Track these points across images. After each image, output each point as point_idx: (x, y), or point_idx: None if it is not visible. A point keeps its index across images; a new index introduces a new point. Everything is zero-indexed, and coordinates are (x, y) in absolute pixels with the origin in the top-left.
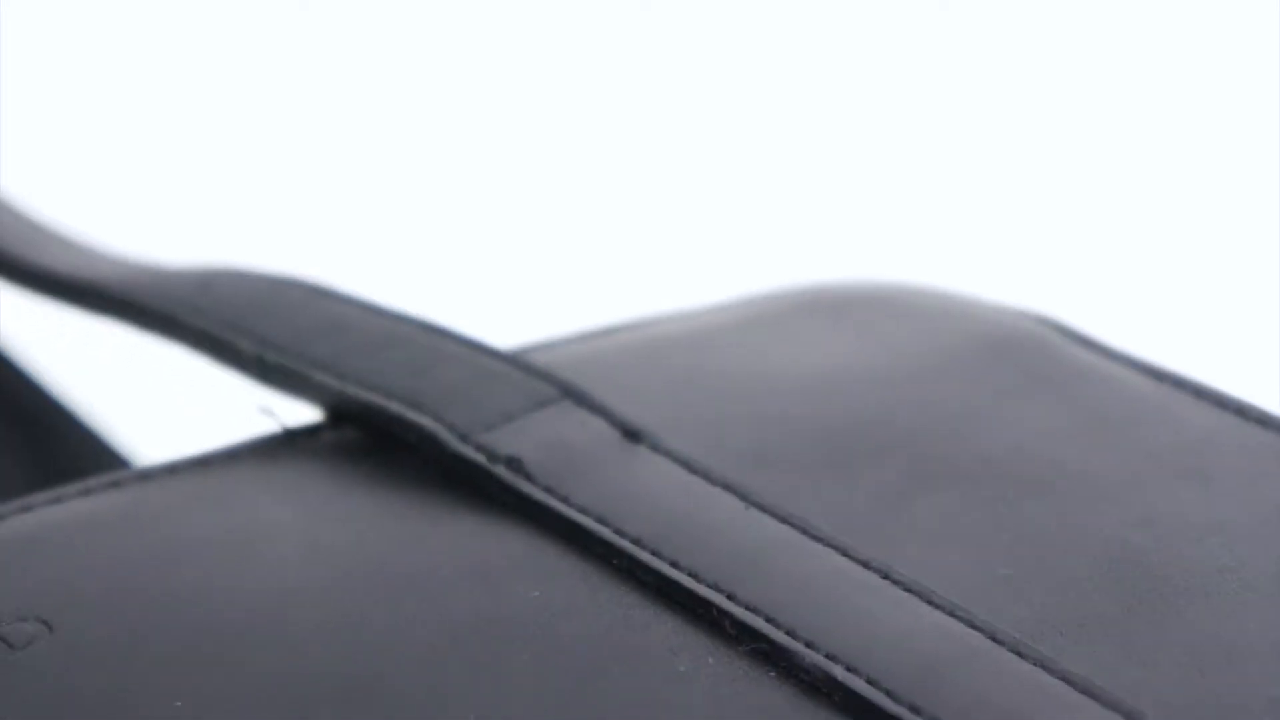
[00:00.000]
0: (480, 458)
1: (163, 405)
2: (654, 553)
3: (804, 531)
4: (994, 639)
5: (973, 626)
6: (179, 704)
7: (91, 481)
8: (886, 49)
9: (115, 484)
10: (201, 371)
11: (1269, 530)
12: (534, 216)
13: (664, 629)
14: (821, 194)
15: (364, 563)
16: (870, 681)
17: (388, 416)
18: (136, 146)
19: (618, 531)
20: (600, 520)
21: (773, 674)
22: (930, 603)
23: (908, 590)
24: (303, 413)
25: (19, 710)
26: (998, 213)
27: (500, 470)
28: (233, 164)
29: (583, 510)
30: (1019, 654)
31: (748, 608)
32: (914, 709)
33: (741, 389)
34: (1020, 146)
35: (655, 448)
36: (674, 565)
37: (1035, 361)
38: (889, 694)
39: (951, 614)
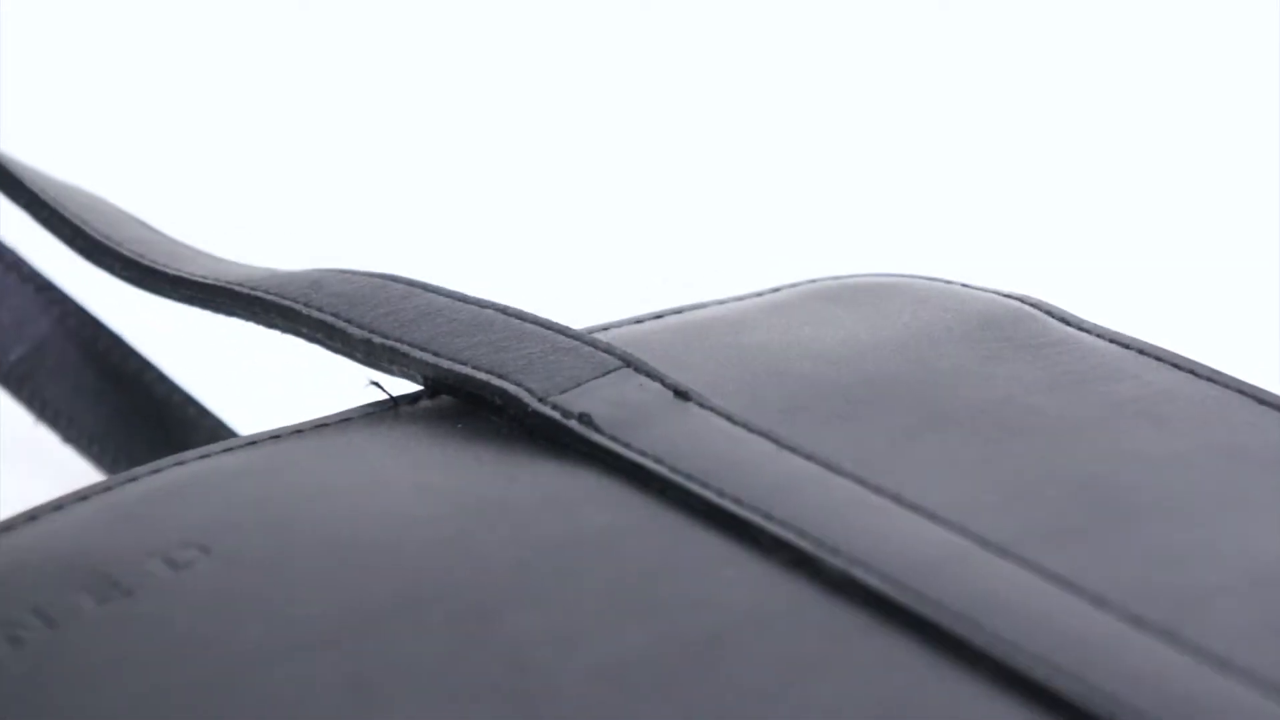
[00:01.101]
0: (556, 414)
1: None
2: (703, 485)
3: (826, 466)
4: (983, 545)
5: (966, 536)
6: (321, 609)
7: (231, 441)
8: (880, 51)
9: (252, 443)
10: (314, 356)
11: (1215, 462)
12: (555, 222)
13: (712, 545)
14: (830, 197)
15: (463, 497)
16: (883, 579)
17: (478, 384)
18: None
19: (672, 469)
20: (657, 461)
21: (803, 577)
22: (931, 519)
23: (912, 510)
24: (404, 385)
25: (185, 616)
26: (994, 213)
27: (574, 424)
28: (238, 164)
29: (642, 454)
30: (1003, 556)
31: (782, 524)
32: (919, 598)
33: (772, 357)
34: (1015, 146)
35: (702, 404)
36: (720, 494)
37: (1019, 332)
38: (899, 587)
39: (948, 528)
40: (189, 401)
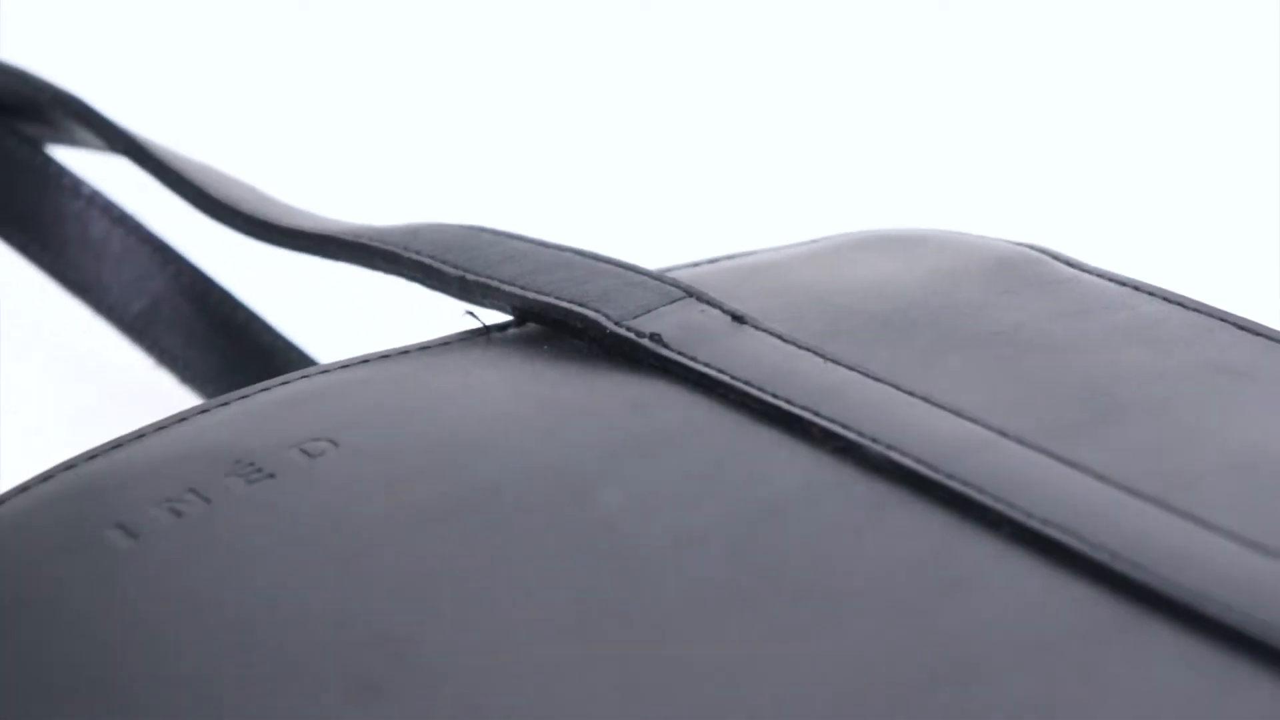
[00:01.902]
0: (630, 335)
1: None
2: (759, 389)
3: (865, 374)
4: (1002, 435)
5: (987, 428)
6: (437, 490)
7: (347, 359)
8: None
9: (365, 360)
10: (412, 293)
11: (1199, 374)
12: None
13: (768, 438)
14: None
15: (552, 402)
16: (917, 460)
17: (561, 311)
18: None
19: (732, 377)
20: (720, 371)
21: (848, 461)
22: (957, 415)
23: (941, 408)
24: (494, 316)
25: (321, 495)
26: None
27: (646, 342)
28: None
29: (706, 366)
30: (1021, 443)
31: (829, 419)
32: (948, 475)
33: (814, 292)
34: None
35: (756, 326)
36: (774, 396)
37: (1030, 271)
38: (931, 466)
39: (974, 421)
40: (290, 347)
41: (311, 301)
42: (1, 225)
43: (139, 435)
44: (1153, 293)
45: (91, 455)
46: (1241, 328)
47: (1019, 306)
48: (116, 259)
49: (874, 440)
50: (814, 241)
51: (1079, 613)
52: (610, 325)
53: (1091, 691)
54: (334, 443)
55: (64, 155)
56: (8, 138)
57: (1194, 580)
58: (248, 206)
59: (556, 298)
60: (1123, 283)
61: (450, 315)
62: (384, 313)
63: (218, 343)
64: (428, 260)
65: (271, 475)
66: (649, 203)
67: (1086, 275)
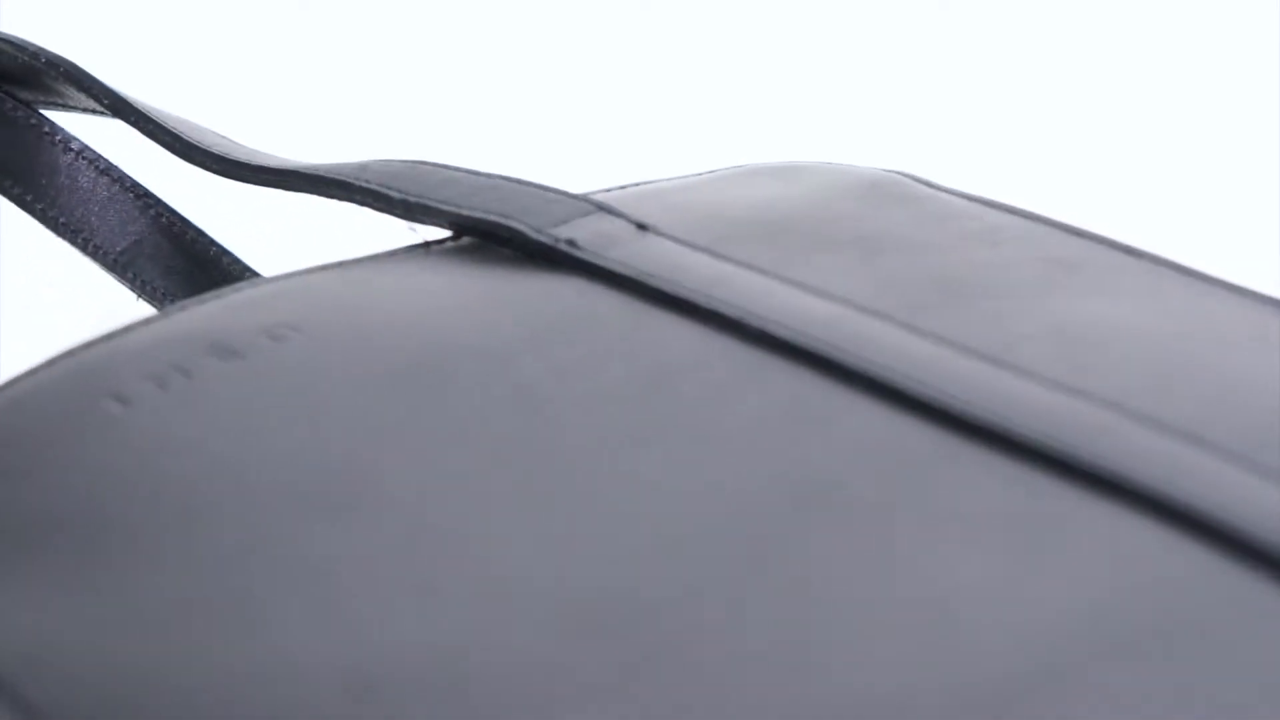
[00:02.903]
0: (549, 241)
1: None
2: (658, 279)
3: (749, 268)
4: (861, 311)
5: (850, 307)
6: (384, 364)
7: (309, 267)
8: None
9: (324, 269)
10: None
11: (1033, 267)
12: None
13: (665, 317)
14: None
15: (481, 295)
16: (790, 331)
17: (490, 224)
18: None
19: (636, 271)
20: (624, 267)
21: (731, 336)
22: (826, 296)
23: (812, 291)
24: (433, 232)
25: (285, 371)
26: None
27: (562, 246)
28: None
29: (614, 263)
30: (877, 317)
31: (717, 301)
32: (817, 341)
33: (709, 208)
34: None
35: (657, 232)
36: (670, 284)
37: (895, 190)
38: (803, 335)
39: (838, 302)
40: (256, 275)
41: (272, 236)
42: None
43: (128, 328)
44: (999, 206)
45: (88, 345)
46: (1073, 232)
47: (883, 217)
48: (102, 205)
49: (754, 317)
50: (711, 171)
51: (920, 443)
52: (532, 233)
53: (928, 500)
54: (296, 329)
55: (55, 116)
56: (5, 101)
57: (1012, 415)
58: (219, 149)
59: (486, 213)
60: (974, 199)
61: (396, 239)
62: (336, 242)
63: (192, 274)
64: (376, 187)
65: (242, 356)
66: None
67: (943, 194)
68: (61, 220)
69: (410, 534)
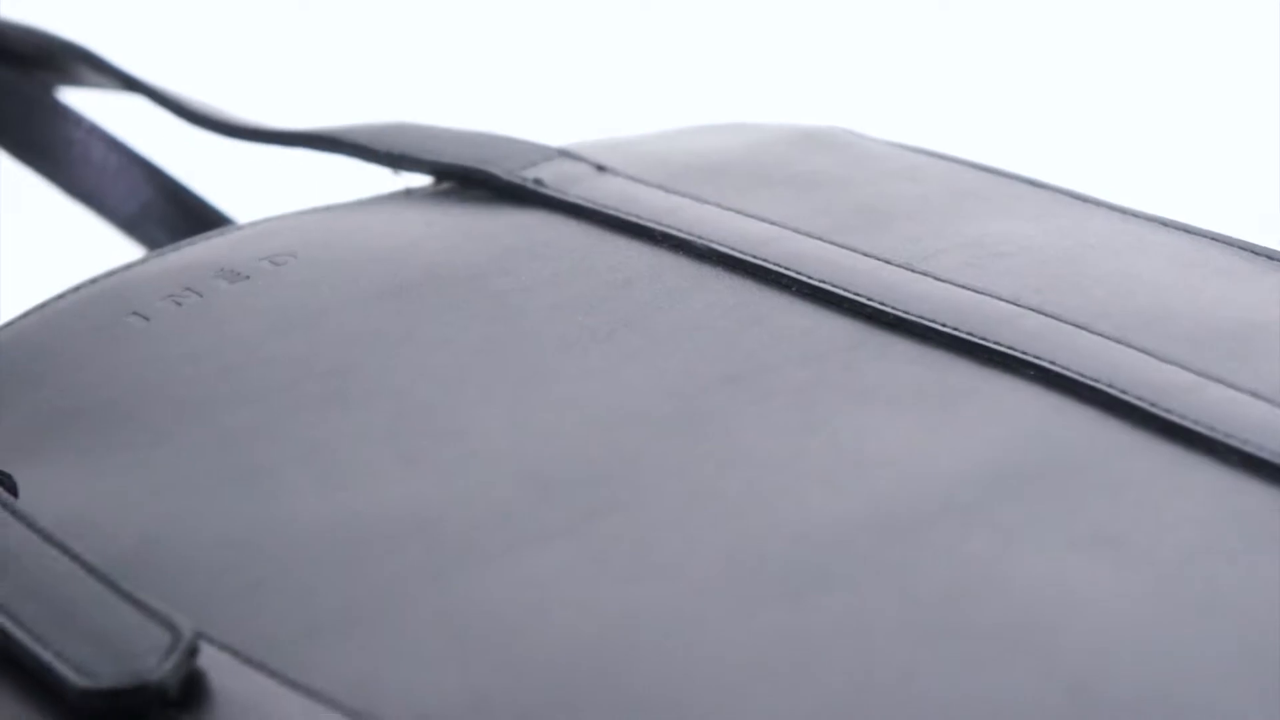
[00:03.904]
0: (518, 181)
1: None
2: (615, 210)
3: (695, 199)
4: (795, 231)
5: (785, 228)
6: (371, 283)
7: (304, 209)
8: None
9: (316, 209)
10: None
11: (946, 200)
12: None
13: (622, 241)
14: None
15: (457, 227)
16: (731, 249)
17: (466, 169)
18: None
19: (598, 205)
20: (587, 201)
21: (681, 254)
22: (763, 220)
23: (752, 216)
24: (416, 179)
25: (284, 288)
26: None
27: (530, 185)
28: None
29: (576, 198)
30: (809, 236)
31: (667, 226)
32: (753, 257)
33: (662, 156)
34: None
35: (615, 173)
36: (623, 213)
37: (828, 139)
38: (740, 252)
39: (774, 224)
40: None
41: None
42: (22, 152)
43: (143, 260)
44: (917, 150)
45: (108, 274)
46: (982, 169)
47: (814, 160)
48: (113, 174)
49: (699, 237)
50: (667, 130)
51: (844, 334)
52: (504, 175)
53: (849, 378)
54: (294, 255)
55: (70, 97)
56: (26, 83)
57: (924, 309)
58: (221, 115)
59: (462, 159)
60: (896, 145)
61: (381, 191)
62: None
63: (194, 232)
64: (364, 141)
65: (247, 277)
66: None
67: (869, 141)
68: (77, 190)
69: (396, 417)
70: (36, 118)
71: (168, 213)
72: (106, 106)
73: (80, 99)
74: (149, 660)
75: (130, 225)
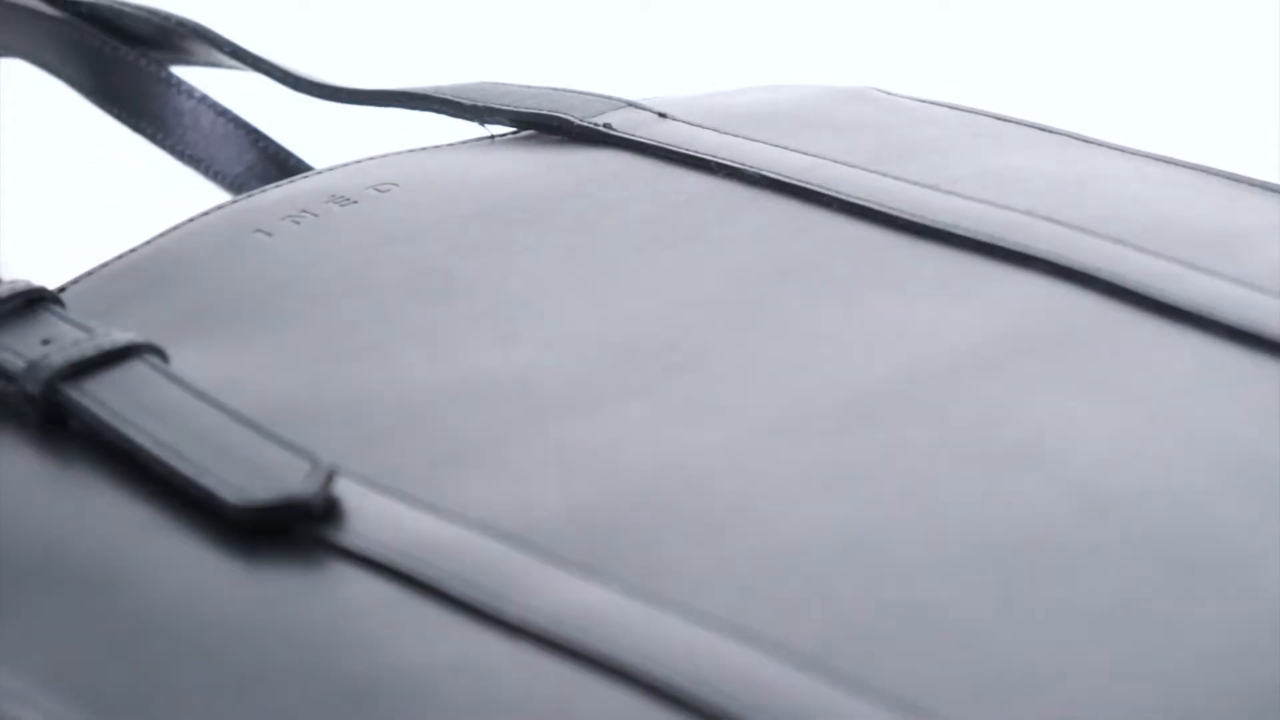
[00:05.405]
0: (590, 125)
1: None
2: (675, 147)
3: (747, 138)
4: (832, 160)
5: (821, 158)
6: (457, 208)
7: (400, 150)
8: None
9: (412, 151)
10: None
11: (968, 138)
12: None
13: (681, 172)
14: None
15: (538, 163)
16: (789, 176)
17: (543, 118)
18: None
19: (662, 143)
20: (649, 139)
21: (733, 180)
22: (804, 153)
23: (797, 151)
24: (497, 129)
25: (387, 210)
26: None
27: (601, 128)
28: None
29: (644, 138)
30: (845, 165)
31: (723, 159)
32: (812, 184)
33: (719, 107)
34: None
35: (674, 119)
36: (684, 149)
37: (867, 95)
38: (799, 179)
39: (811, 156)
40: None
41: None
42: (138, 120)
43: (264, 190)
44: (941, 104)
45: (233, 200)
46: (998, 118)
47: (851, 110)
48: (220, 139)
49: (751, 166)
50: (719, 89)
51: (879, 239)
52: (577, 121)
53: (884, 273)
54: (396, 184)
55: (181, 72)
56: (142, 60)
57: (947, 218)
58: (321, 80)
59: (540, 109)
60: (922, 100)
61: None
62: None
63: None
64: (451, 97)
65: (356, 202)
66: None
67: (898, 97)
68: (188, 154)
69: (494, 306)
70: (152, 90)
71: (269, 172)
72: (211, 77)
73: (191, 73)
74: (294, 481)
75: (236, 185)
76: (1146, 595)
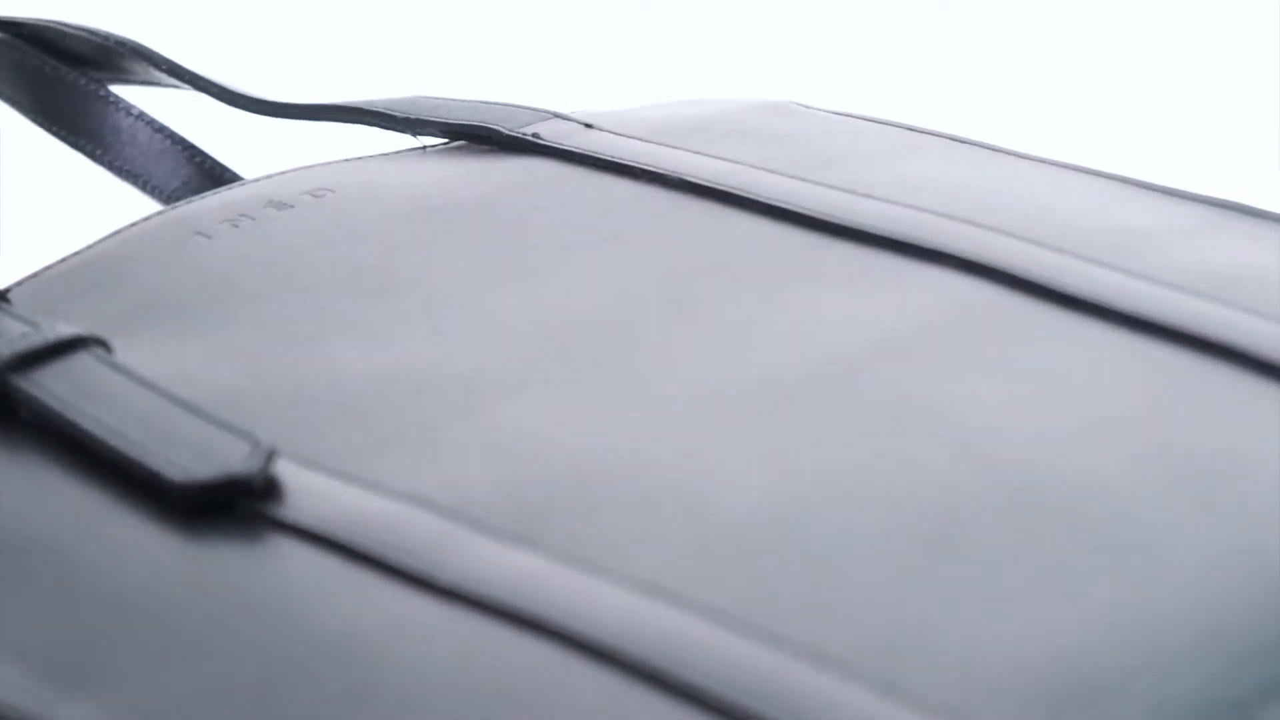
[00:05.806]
0: (518, 135)
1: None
2: (602, 155)
3: (670, 146)
4: (754, 168)
5: (744, 165)
6: (390, 208)
7: (336, 159)
8: None
9: (346, 161)
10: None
11: (889, 159)
12: None
13: (608, 179)
14: None
15: (469, 171)
16: (712, 180)
17: (474, 128)
18: None
19: (584, 152)
20: (575, 149)
21: (655, 185)
22: (721, 160)
23: (718, 158)
24: (429, 141)
25: (323, 214)
26: None
27: (529, 138)
28: None
29: (570, 147)
30: (769, 171)
31: (645, 165)
32: (732, 187)
33: (643, 117)
34: None
35: (601, 129)
36: (611, 157)
37: (782, 107)
38: (721, 183)
39: (734, 162)
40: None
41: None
42: (77, 137)
43: (203, 197)
44: (859, 117)
45: (175, 206)
46: (915, 130)
47: (774, 123)
48: (157, 155)
49: (673, 172)
50: (643, 104)
51: (797, 239)
52: (506, 131)
53: (800, 269)
54: (331, 190)
55: (119, 90)
56: (81, 79)
57: (862, 219)
58: (256, 96)
59: (470, 121)
60: (843, 114)
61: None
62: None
63: None
64: (384, 110)
65: (293, 206)
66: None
67: (820, 111)
68: (126, 169)
69: (426, 302)
70: (91, 109)
71: (204, 187)
72: (148, 95)
73: (128, 91)
74: (235, 461)
75: (173, 200)
76: (1050, 562)
